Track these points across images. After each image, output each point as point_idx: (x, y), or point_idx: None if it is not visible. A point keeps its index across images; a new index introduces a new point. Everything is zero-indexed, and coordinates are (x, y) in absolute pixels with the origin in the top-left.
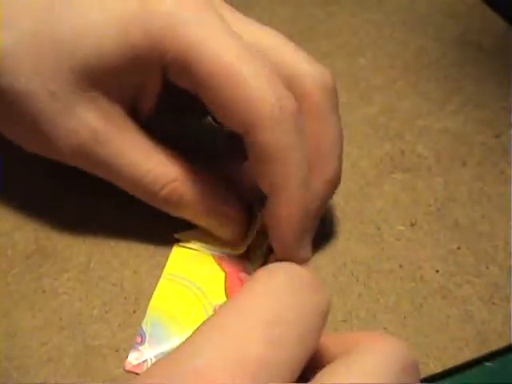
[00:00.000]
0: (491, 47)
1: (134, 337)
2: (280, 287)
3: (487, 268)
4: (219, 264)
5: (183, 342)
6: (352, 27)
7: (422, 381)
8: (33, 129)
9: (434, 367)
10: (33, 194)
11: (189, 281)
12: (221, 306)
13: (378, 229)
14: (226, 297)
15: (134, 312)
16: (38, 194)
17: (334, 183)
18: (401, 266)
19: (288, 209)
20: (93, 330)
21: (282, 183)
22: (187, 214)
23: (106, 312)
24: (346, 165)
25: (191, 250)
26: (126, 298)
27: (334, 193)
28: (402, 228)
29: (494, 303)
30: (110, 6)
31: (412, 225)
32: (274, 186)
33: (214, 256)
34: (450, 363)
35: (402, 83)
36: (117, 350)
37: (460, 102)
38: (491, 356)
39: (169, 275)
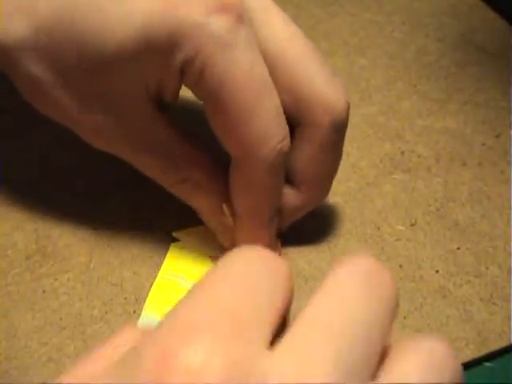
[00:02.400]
0: (491, 47)
1: None
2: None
3: (487, 268)
4: (216, 264)
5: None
6: (352, 27)
7: None
8: (62, 115)
9: None
10: (33, 194)
11: (185, 280)
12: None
13: (378, 229)
14: None
15: (134, 312)
16: (38, 193)
17: (317, 203)
18: (401, 266)
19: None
20: (93, 330)
21: (258, 209)
22: (195, 208)
23: (106, 312)
24: (345, 165)
25: (188, 250)
26: (125, 298)
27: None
28: (401, 228)
29: (494, 303)
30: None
31: (412, 225)
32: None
33: (210, 256)
34: None
35: (402, 83)
36: None
37: (460, 102)
38: (491, 356)
39: (165, 274)
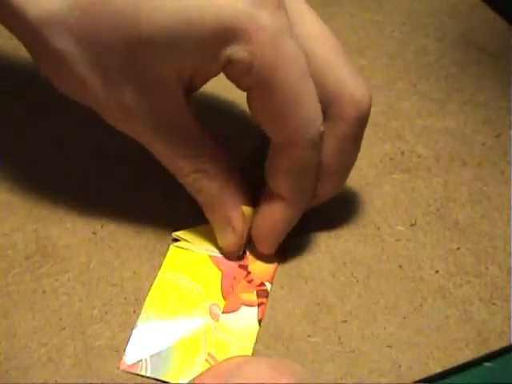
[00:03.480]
0: (491, 47)
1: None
2: None
3: (487, 268)
4: (215, 264)
5: None
6: (352, 27)
7: (422, 381)
8: (83, 92)
9: (433, 367)
10: (33, 195)
11: (185, 280)
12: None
13: (378, 229)
14: (222, 296)
15: (134, 312)
16: (38, 194)
17: (333, 193)
18: (401, 266)
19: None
20: (93, 330)
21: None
22: (202, 202)
23: (106, 312)
24: None
25: (188, 250)
26: (126, 298)
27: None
28: (401, 228)
29: (493, 303)
30: None
31: (412, 225)
32: (290, 188)
33: (210, 255)
34: (450, 363)
35: (402, 83)
36: (117, 350)
37: (460, 102)
38: (491, 356)
39: (165, 274)
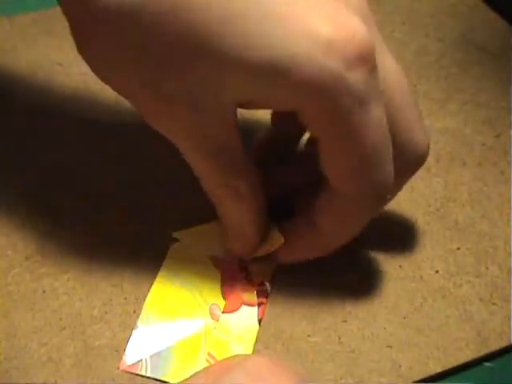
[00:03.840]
0: (492, 47)
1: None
2: None
3: (487, 268)
4: (215, 264)
5: None
6: None
7: (422, 381)
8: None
9: (433, 367)
10: (33, 195)
11: (185, 280)
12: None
13: (378, 229)
14: (222, 297)
15: (134, 312)
16: (38, 194)
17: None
18: (401, 266)
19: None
20: (93, 330)
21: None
22: (223, 214)
23: (106, 312)
24: None
25: (188, 250)
26: (125, 298)
27: None
28: (402, 228)
29: (493, 303)
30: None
31: (412, 225)
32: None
33: (210, 256)
34: (450, 363)
35: None
36: (117, 350)
37: (460, 102)
38: (491, 356)
39: (165, 274)
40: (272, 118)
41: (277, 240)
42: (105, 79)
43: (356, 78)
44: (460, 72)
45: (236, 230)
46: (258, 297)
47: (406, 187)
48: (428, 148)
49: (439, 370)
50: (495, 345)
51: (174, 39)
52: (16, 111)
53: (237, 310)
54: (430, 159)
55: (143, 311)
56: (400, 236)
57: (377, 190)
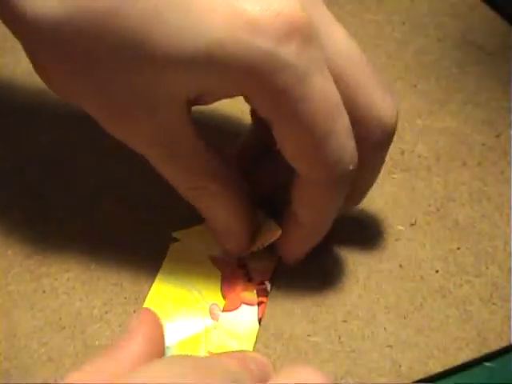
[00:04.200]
0: (492, 47)
1: None
2: None
3: (487, 268)
4: (215, 264)
5: None
6: (352, 27)
7: (422, 381)
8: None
9: (433, 367)
10: (33, 194)
11: (185, 280)
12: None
13: (378, 229)
14: (222, 296)
15: (134, 312)
16: (38, 193)
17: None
18: (401, 266)
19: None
20: (93, 330)
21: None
22: (202, 212)
23: (106, 312)
24: None
25: (188, 249)
26: (126, 298)
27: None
28: (401, 228)
29: (493, 303)
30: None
31: (412, 225)
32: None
33: (210, 255)
34: (450, 363)
35: (402, 83)
36: None
37: (460, 102)
38: (491, 356)
39: (165, 274)
40: (251, 114)
41: (274, 232)
42: (65, 96)
43: (289, 51)
44: (460, 72)
45: (220, 228)
46: (257, 296)
47: (406, 187)
48: (395, 120)
49: (439, 369)
50: (495, 345)
51: (113, 45)
52: (16, 111)
53: (236, 308)
54: (430, 159)
55: None
56: (400, 236)
57: (337, 166)
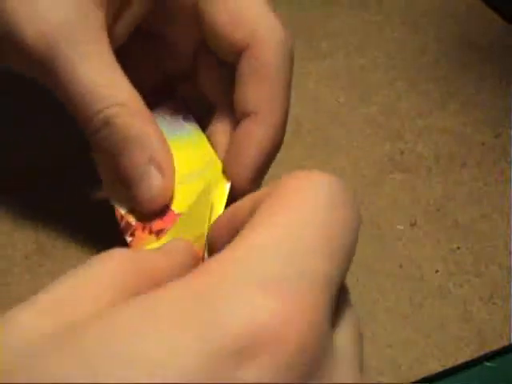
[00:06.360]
0: (491, 47)
1: None
2: (327, 201)
3: (487, 268)
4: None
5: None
6: (352, 27)
7: (422, 381)
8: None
9: (433, 367)
10: (32, 194)
11: None
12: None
13: (378, 229)
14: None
15: None
16: (38, 193)
17: (277, 135)
18: (401, 266)
19: (267, 131)
20: None
21: (271, 102)
22: (113, 150)
23: None
24: (345, 165)
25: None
26: None
27: (276, 149)
28: (401, 228)
29: (493, 303)
30: None
31: (412, 225)
32: (263, 103)
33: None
34: (450, 363)
35: (402, 83)
36: None
37: (460, 102)
38: (491, 356)
39: None
40: None
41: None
42: None
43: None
44: (460, 72)
45: (143, 163)
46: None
47: (406, 187)
48: (284, 30)
49: (439, 369)
50: (495, 345)
51: None
52: (16, 111)
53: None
54: (430, 159)
55: None
56: (400, 236)
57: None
